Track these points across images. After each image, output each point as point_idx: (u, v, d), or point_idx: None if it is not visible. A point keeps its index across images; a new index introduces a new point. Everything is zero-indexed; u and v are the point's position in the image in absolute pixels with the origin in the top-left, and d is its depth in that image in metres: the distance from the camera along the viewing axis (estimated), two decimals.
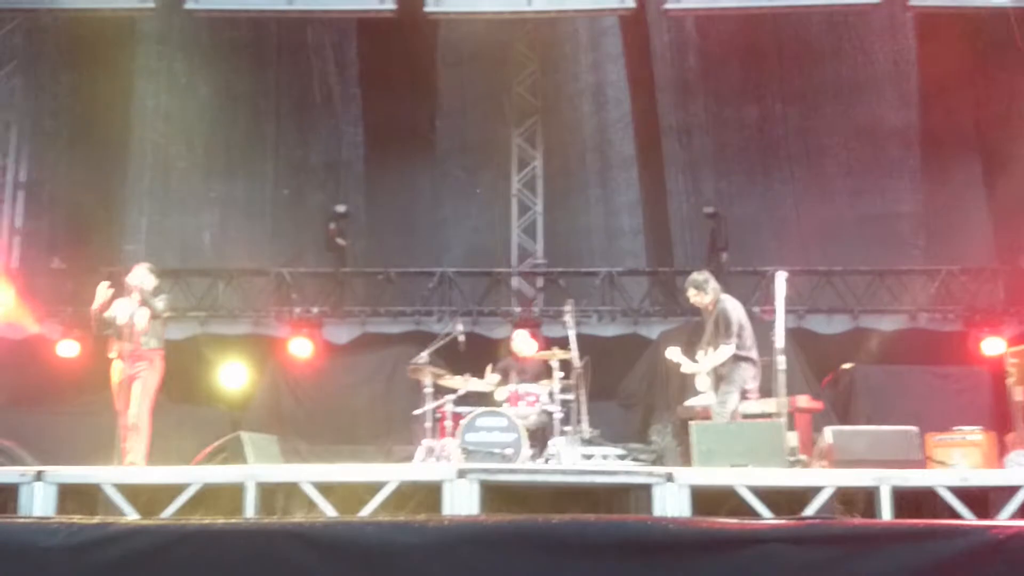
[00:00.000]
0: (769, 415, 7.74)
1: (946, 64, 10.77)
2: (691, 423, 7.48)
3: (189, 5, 10.56)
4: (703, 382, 7.99)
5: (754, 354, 7.87)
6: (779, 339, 7.64)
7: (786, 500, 6.23)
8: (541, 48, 12.79)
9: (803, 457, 7.60)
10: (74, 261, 12.03)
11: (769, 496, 6.06)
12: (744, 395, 7.80)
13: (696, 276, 8.13)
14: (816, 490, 6.13)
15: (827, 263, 12.07)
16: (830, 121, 12.05)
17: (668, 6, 10.65)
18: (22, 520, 5.53)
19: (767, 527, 4.63)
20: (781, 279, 7.90)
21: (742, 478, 6.13)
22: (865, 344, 11.67)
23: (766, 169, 12.37)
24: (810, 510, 6.04)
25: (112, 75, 12.00)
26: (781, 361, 7.59)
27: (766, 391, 7.83)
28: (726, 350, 7.67)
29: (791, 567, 4.28)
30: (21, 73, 12.53)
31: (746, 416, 7.85)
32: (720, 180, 12.29)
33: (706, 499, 6.03)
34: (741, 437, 7.11)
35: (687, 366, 8.08)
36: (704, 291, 7.96)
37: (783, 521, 5.07)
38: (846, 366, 11.47)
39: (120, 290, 8.02)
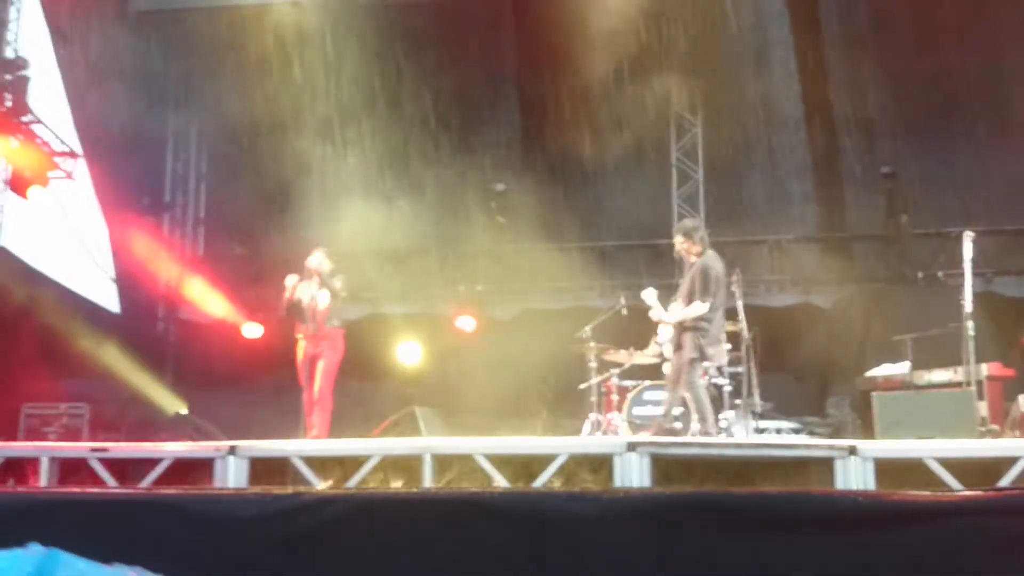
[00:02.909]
0: (958, 384, 7.35)
1: None
2: (874, 394, 7.18)
3: None
4: (664, 332, 7.67)
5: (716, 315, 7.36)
6: (967, 303, 7.30)
7: (977, 472, 5.85)
8: (700, 9, 12.44)
9: (994, 427, 7.19)
10: (254, 247, 12.67)
11: (958, 468, 5.70)
12: (704, 356, 7.33)
13: (688, 222, 7.74)
14: (1011, 461, 5.73)
15: (1016, 222, 11.41)
16: (1014, 70, 11.19)
17: None
18: (221, 491, 5.88)
19: (964, 499, 4.41)
20: (967, 240, 7.52)
21: (932, 450, 5.80)
22: None
23: (946, 124, 11.66)
24: (1005, 482, 5.65)
25: (281, 65, 12.49)
26: (970, 327, 7.25)
27: (954, 359, 7.40)
28: (699, 307, 7.28)
29: (993, 540, 4.06)
30: (197, 72, 13.24)
31: (933, 385, 7.45)
32: (896, 138, 11.66)
33: (892, 473, 5.74)
34: (928, 408, 6.83)
35: (657, 312, 7.74)
36: (692, 240, 7.55)
37: (979, 492, 4.79)
38: None
39: (301, 275, 8.39)
